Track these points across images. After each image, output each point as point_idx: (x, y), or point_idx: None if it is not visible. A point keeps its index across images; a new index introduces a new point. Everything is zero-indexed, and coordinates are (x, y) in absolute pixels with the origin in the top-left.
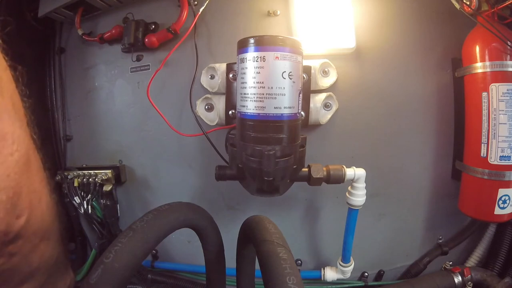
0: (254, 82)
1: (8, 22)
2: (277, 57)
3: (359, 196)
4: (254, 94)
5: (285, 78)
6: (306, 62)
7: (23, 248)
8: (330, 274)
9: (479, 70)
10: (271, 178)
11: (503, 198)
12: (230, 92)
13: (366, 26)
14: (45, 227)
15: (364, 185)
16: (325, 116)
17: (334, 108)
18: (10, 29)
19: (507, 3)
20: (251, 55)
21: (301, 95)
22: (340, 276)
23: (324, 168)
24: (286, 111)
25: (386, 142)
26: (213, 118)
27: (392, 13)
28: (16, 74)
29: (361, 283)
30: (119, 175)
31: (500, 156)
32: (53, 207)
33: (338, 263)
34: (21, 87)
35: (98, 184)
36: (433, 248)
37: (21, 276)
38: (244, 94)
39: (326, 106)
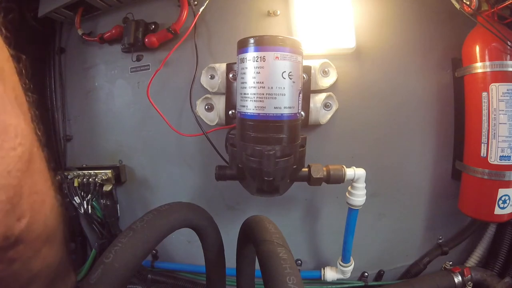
0: (254, 82)
1: (10, 8)
2: (277, 57)
3: (359, 196)
4: (254, 94)
5: (285, 78)
6: (306, 62)
7: (24, 253)
8: (330, 274)
9: (479, 70)
10: (271, 178)
11: (503, 198)
12: (230, 92)
13: (366, 26)
14: (49, 231)
15: (364, 185)
16: (325, 116)
17: (334, 108)
18: (13, 16)
19: (507, 3)
20: (251, 55)
21: (301, 95)
22: (340, 276)
23: (324, 168)
24: (286, 111)
25: (386, 142)
26: (213, 118)
27: (392, 13)
28: (20, 66)
29: (361, 283)
30: (119, 175)
31: (500, 156)
32: (57, 209)
33: (338, 263)
34: (24, 80)
35: (98, 184)
36: (433, 248)
37: (21, 283)
38: (244, 94)
39: (326, 106)
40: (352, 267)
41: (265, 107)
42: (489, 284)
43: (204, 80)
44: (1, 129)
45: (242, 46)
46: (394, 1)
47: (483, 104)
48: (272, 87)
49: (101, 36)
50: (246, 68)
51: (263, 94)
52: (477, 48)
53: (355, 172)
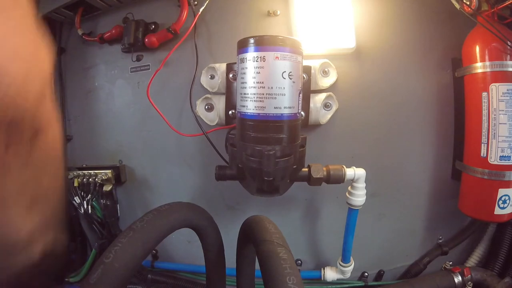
0: (254, 82)
1: None
2: (277, 57)
3: (359, 196)
4: (254, 94)
5: (285, 78)
6: (306, 62)
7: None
8: (330, 274)
9: (479, 70)
10: (271, 178)
11: (503, 198)
12: (230, 92)
13: (366, 26)
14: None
15: (364, 185)
16: (325, 116)
17: (334, 108)
18: None
19: (507, 3)
20: (251, 55)
21: (301, 95)
22: (340, 276)
23: (324, 168)
24: (286, 111)
25: (386, 142)
26: (213, 118)
27: (392, 13)
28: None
29: (361, 283)
30: (119, 175)
31: (500, 156)
32: (61, 136)
33: (338, 263)
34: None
35: (98, 184)
36: (433, 248)
37: (29, 198)
38: (244, 94)
39: (326, 106)
40: (352, 267)
41: (265, 107)
42: (489, 284)
43: (204, 80)
44: (36, 43)
45: (242, 46)
46: (394, 1)
47: (483, 104)
48: (272, 87)
49: (101, 36)
50: (246, 68)
51: (263, 94)
52: (477, 48)
53: (355, 172)
